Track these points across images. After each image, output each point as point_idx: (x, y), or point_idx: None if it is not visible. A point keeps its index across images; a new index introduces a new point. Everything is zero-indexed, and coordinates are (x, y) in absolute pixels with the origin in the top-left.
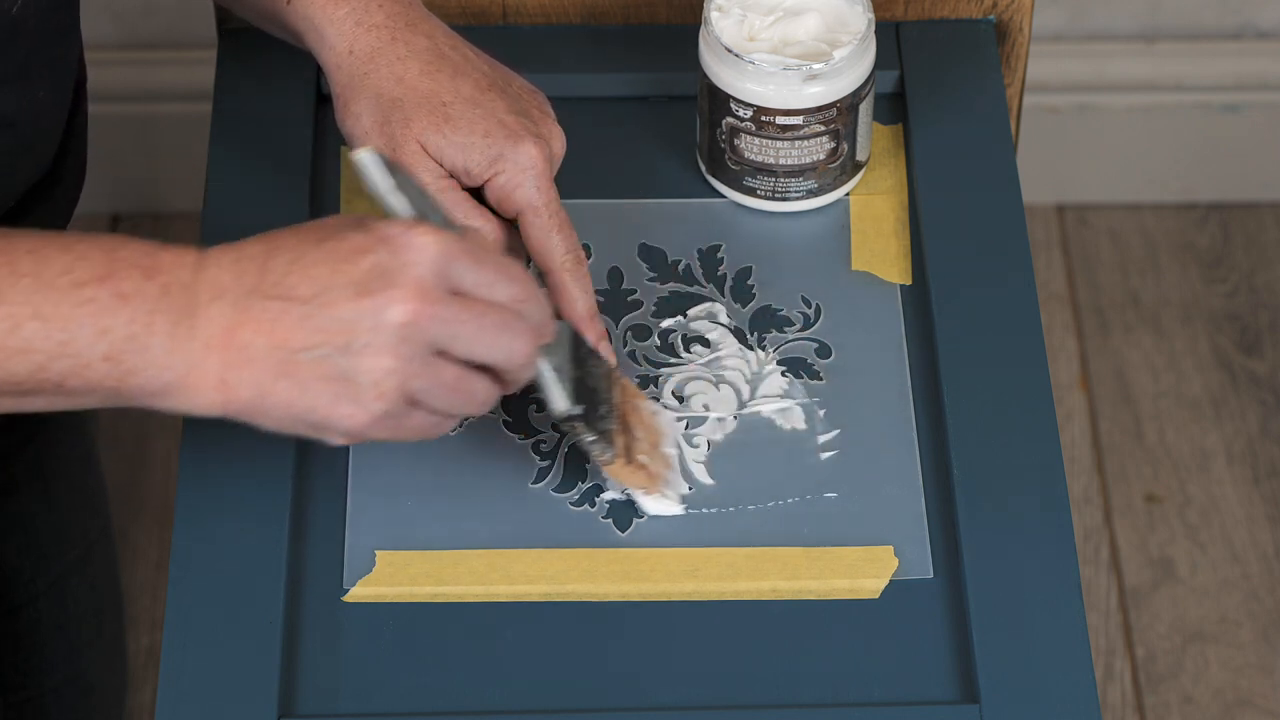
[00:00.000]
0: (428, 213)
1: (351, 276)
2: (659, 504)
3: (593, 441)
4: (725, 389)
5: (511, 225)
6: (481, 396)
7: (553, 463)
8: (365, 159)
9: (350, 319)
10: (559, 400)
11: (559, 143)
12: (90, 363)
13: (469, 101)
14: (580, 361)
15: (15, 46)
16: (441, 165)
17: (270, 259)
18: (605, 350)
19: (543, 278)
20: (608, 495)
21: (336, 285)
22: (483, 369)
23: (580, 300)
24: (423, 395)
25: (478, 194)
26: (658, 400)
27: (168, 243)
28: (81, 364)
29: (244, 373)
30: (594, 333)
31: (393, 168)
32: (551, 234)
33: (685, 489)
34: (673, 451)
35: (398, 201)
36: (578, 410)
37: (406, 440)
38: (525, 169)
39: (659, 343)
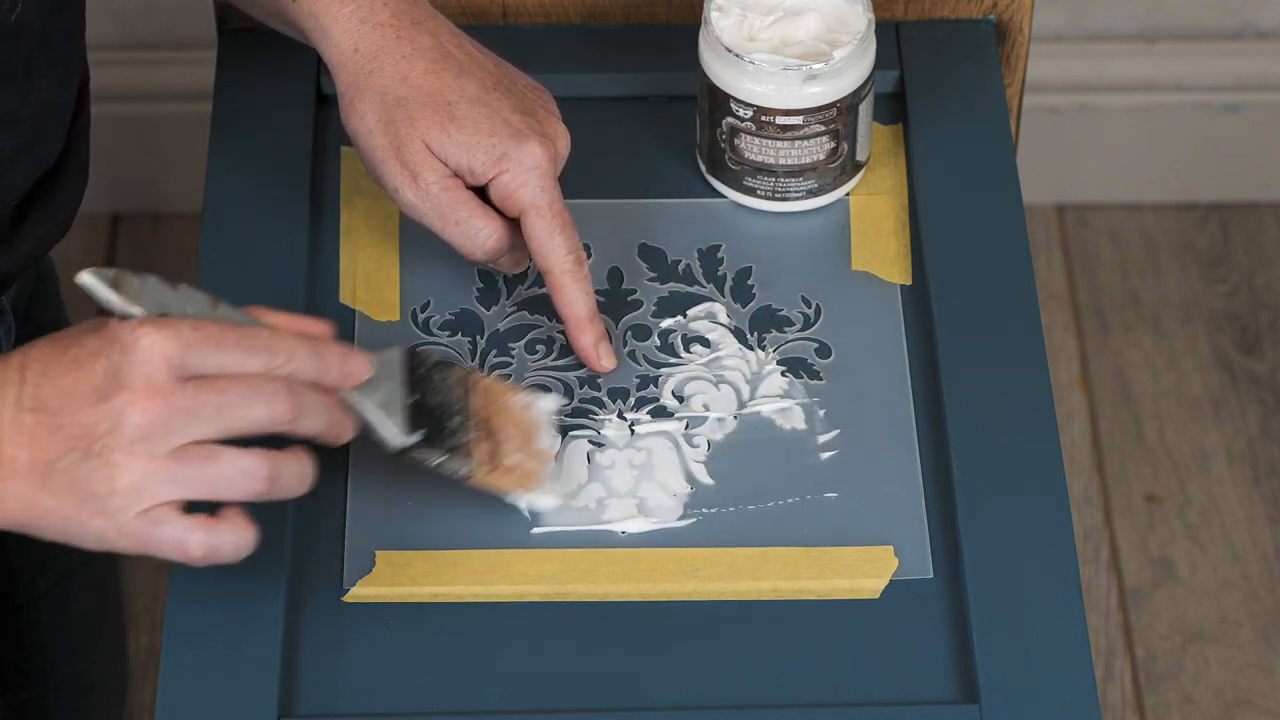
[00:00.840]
0: (174, 306)
1: (91, 383)
2: (536, 499)
3: (441, 463)
4: (725, 389)
5: (514, 224)
6: (245, 469)
7: (553, 463)
8: (87, 282)
9: (90, 424)
10: (389, 434)
11: (564, 142)
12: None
13: (474, 100)
14: (419, 382)
15: (17, 48)
16: (446, 164)
17: (26, 370)
18: (605, 352)
19: (544, 277)
20: (608, 497)
21: (79, 393)
22: (297, 446)
23: (580, 301)
24: (172, 489)
25: (483, 193)
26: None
27: None
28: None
29: (11, 486)
30: (594, 334)
31: (120, 277)
32: (554, 235)
33: (558, 478)
34: (549, 444)
35: (132, 311)
36: (415, 439)
37: (172, 557)
38: (529, 169)
39: (659, 343)
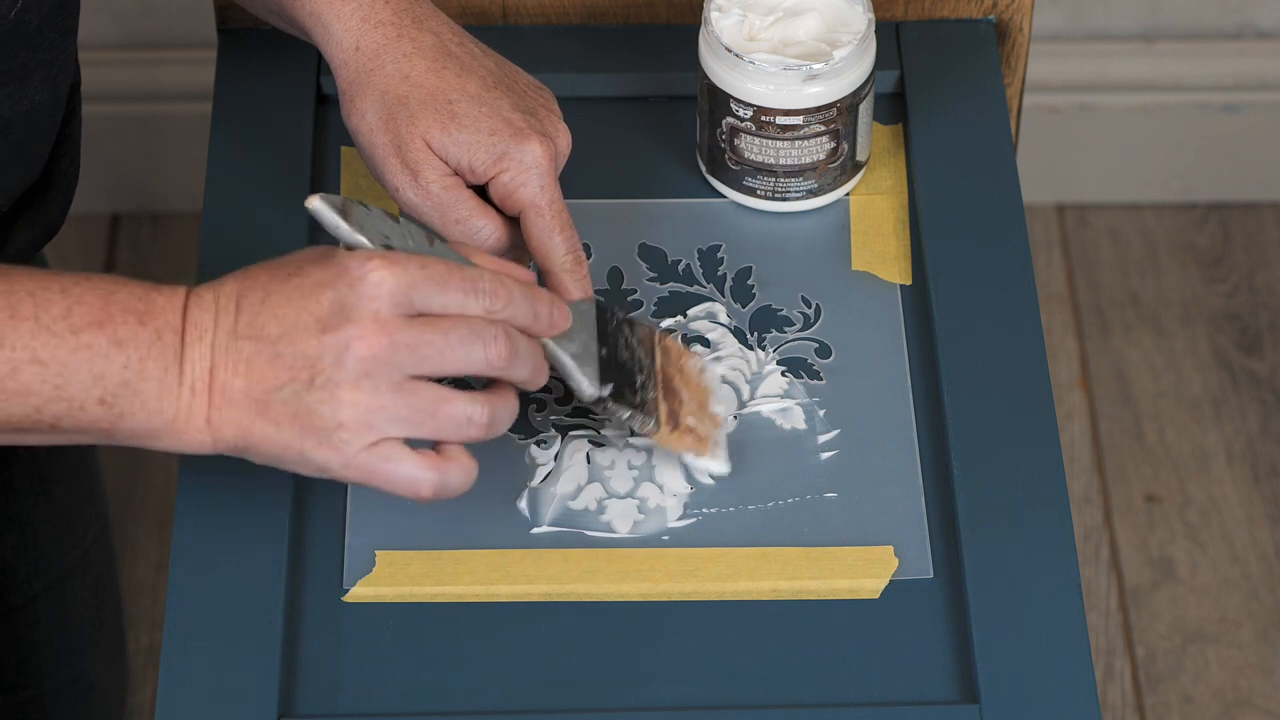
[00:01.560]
0: (396, 239)
1: (315, 313)
2: (710, 464)
3: (629, 417)
4: (725, 389)
5: (514, 223)
6: (471, 415)
7: (553, 463)
8: (316, 208)
9: (313, 355)
10: (584, 385)
11: (565, 141)
12: (85, 405)
13: (475, 99)
14: (610, 336)
15: (14, 49)
16: (446, 163)
17: (244, 298)
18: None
19: (543, 276)
20: (608, 497)
21: (301, 323)
22: (494, 389)
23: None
24: (399, 428)
25: (483, 191)
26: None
27: (161, 283)
28: (76, 407)
29: (226, 413)
30: None
31: (347, 205)
32: (553, 234)
33: (727, 445)
34: (722, 409)
35: (358, 240)
36: (605, 391)
37: (402, 493)
38: (529, 167)
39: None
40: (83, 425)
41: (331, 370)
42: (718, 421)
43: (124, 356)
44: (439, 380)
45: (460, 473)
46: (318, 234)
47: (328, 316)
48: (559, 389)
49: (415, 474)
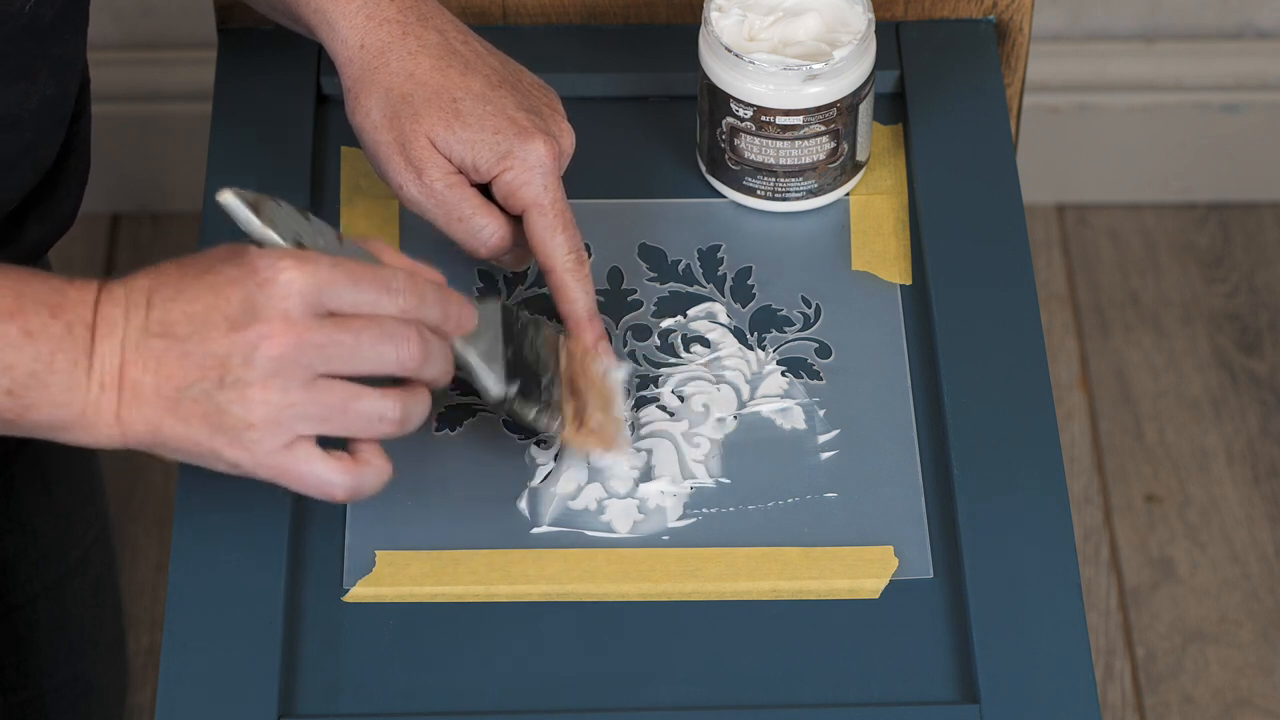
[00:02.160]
0: (307, 237)
1: (225, 312)
2: (616, 458)
3: (534, 416)
4: (725, 389)
5: (517, 222)
6: (383, 412)
7: (553, 463)
8: (228, 202)
9: (223, 354)
10: (491, 384)
11: (568, 140)
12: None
13: (479, 97)
14: (514, 337)
15: (27, 44)
16: (450, 160)
17: (155, 294)
18: (604, 350)
19: (545, 275)
20: (608, 497)
21: (211, 321)
22: (407, 385)
23: (580, 300)
24: (309, 426)
25: (487, 190)
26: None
27: (73, 277)
28: None
29: (136, 410)
30: (594, 332)
31: (260, 201)
32: (555, 233)
33: (633, 448)
34: (624, 413)
35: (269, 236)
36: (512, 390)
37: (314, 495)
38: (533, 166)
39: (659, 343)
40: None
41: (241, 370)
42: (620, 423)
43: (34, 348)
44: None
45: (374, 475)
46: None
47: (237, 315)
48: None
49: (328, 476)
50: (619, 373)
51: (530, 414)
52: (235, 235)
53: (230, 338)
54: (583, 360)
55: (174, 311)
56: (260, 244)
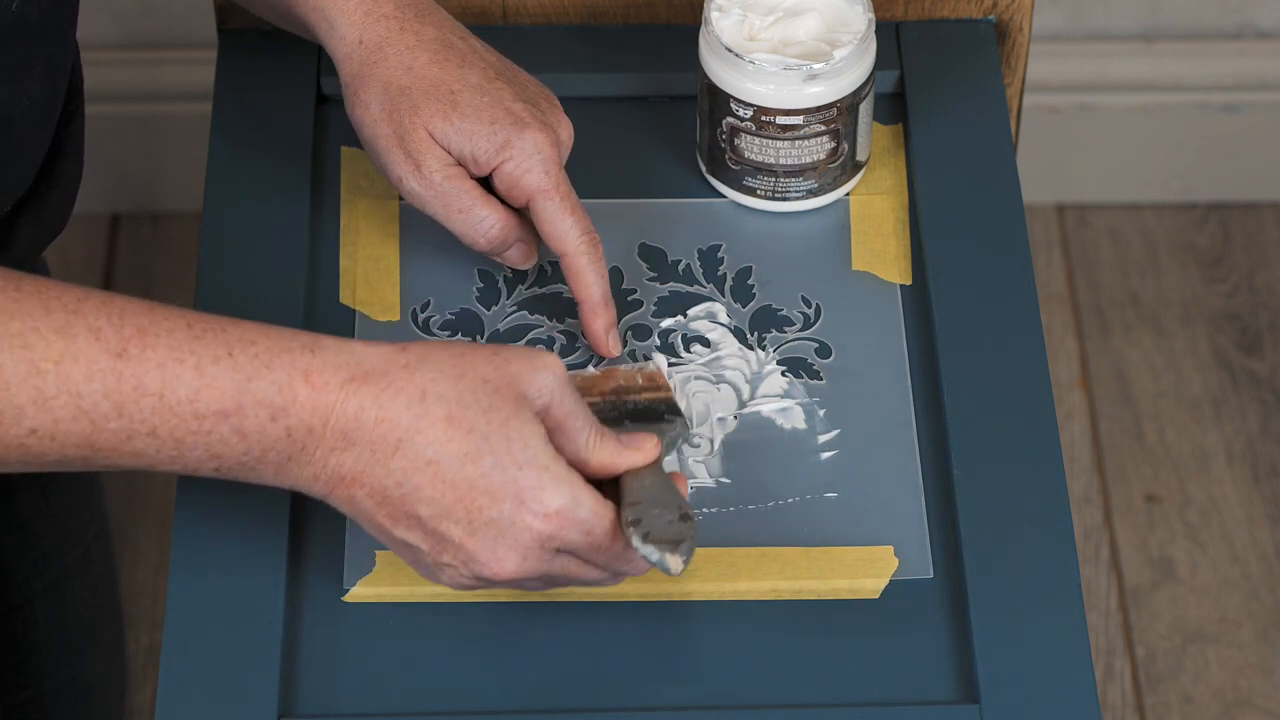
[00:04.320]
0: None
1: (469, 516)
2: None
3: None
4: (725, 389)
5: (520, 214)
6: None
7: None
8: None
9: (448, 545)
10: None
11: (566, 131)
12: (199, 470)
13: (477, 89)
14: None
15: (15, 42)
16: (449, 153)
17: (412, 442)
18: (614, 339)
19: (560, 261)
20: None
21: (453, 516)
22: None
23: (595, 285)
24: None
25: (487, 183)
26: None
27: (312, 361)
28: (189, 470)
29: (345, 506)
30: (605, 319)
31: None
32: (565, 216)
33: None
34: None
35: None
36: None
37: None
38: (532, 154)
39: (659, 343)
40: (194, 476)
41: (452, 572)
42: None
43: (245, 445)
44: None
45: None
46: (317, 235)
47: (478, 526)
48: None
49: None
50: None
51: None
52: (238, 235)
53: (458, 546)
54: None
55: (422, 477)
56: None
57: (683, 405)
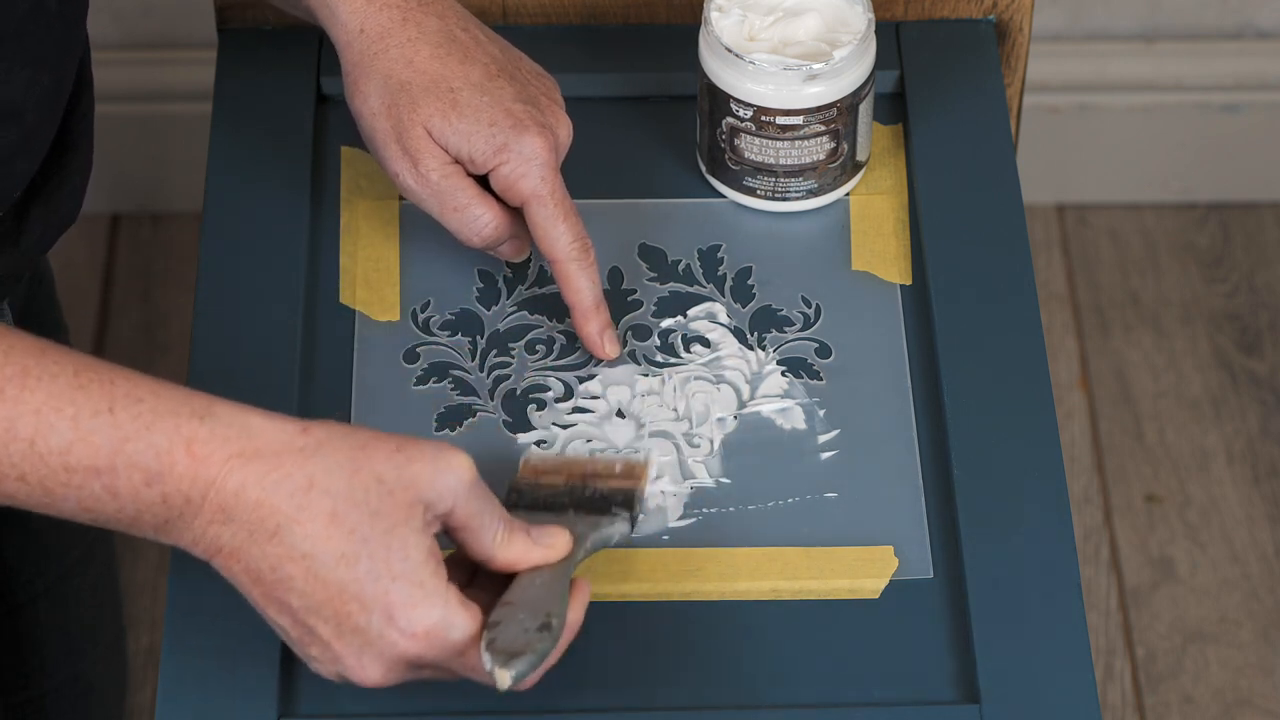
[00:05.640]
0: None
1: (338, 620)
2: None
3: (629, 518)
4: (725, 389)
5: (516, 213)
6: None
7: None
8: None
9: (311, 647)
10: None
11: (565, 131)
12: (74, 517)
13: (477, 88)
14: (580, 518)
15: (33, 31)
16: (446, 151)
17: (289, 532)
18: (609, 340)
19: (550, 266)
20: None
21: (322, 615)
22: None
23: (586, 290)
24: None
25: (484, 181)
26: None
27: (197, 428)
28: (65, 516)
29: (223, 574)
30: (599, 322)
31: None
32: (557, 223)
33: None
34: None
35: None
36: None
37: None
38: (529, 159)
39: (659, 343)
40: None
41: (326, 662)
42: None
43: (117, 504)
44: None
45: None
46: (317, 235)
47: (346, 634)
48: (559, 388)
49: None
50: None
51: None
52: (238, 235)
53: (330, 641)
54: (576, 467)
55: (296, 568)
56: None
57: (681, 407)
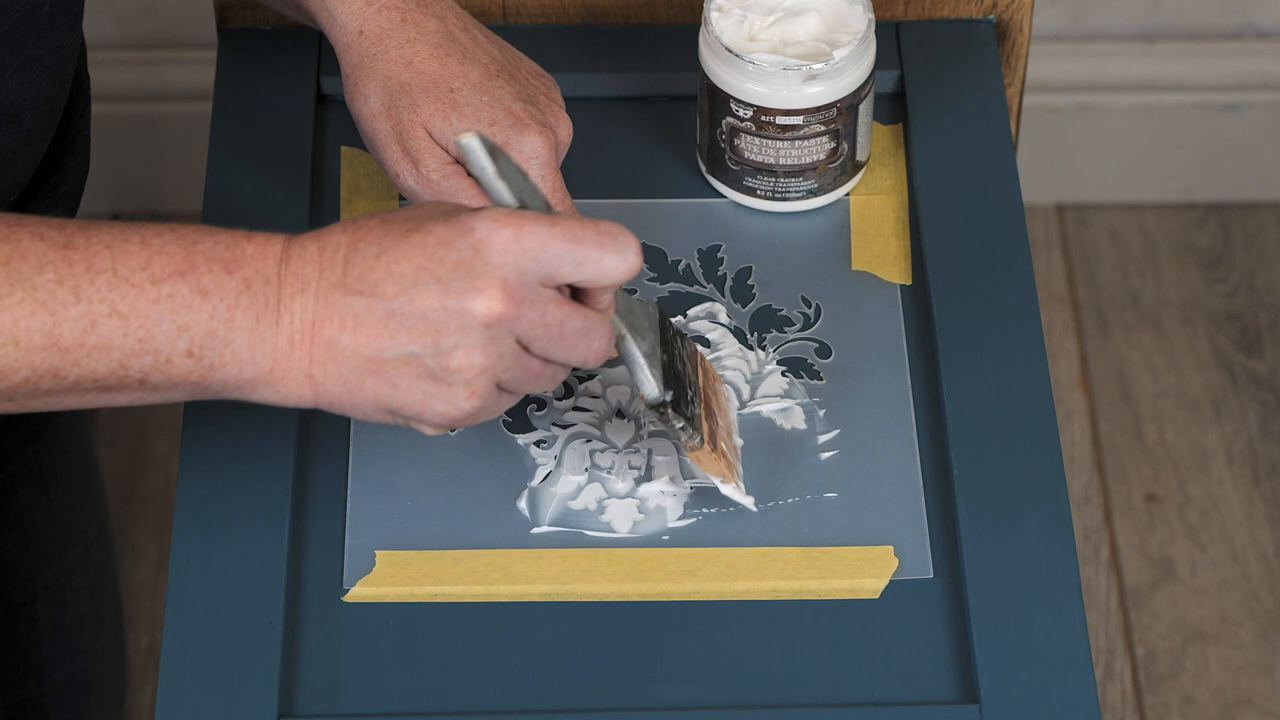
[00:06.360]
0: (527, 197)
1: (436, 274)
2: (734, 493)
3: (681, 428)
4: (725, 389)
5: None
6: (560, 378)
7: (553, 463)
8: (469, 144)
9: (436, 319)
10: (650, 387)
11: (565, 131)
12: (171, 358)
13: (476, 88)
14: (669, 344)
15: (28, 33)
16: (447, 151)
17: (355, 250)
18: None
19: None
20: (608, 497)
21: (421, 283)
22: None
23: None
24: (510, 384)
25: None
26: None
27: (254, 231)
28: (162, 360)
29: (331, 368)
30: None
31: (495, 152)
32: None
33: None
34: (740, 441)
35: (499, 187)
36: (668, 396)
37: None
38: (530, 158)
39: None
40: (172, 379)
41: (457, 335)
42: (737, 453)
43: (210, 306)
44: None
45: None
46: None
47: (450, 279)
48: (559, 388)
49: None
50: (734, 402)
51: (678, 424)
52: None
53: (443, 301)
54: (715, 382)
55: (378, 270)
56: (488, 195)
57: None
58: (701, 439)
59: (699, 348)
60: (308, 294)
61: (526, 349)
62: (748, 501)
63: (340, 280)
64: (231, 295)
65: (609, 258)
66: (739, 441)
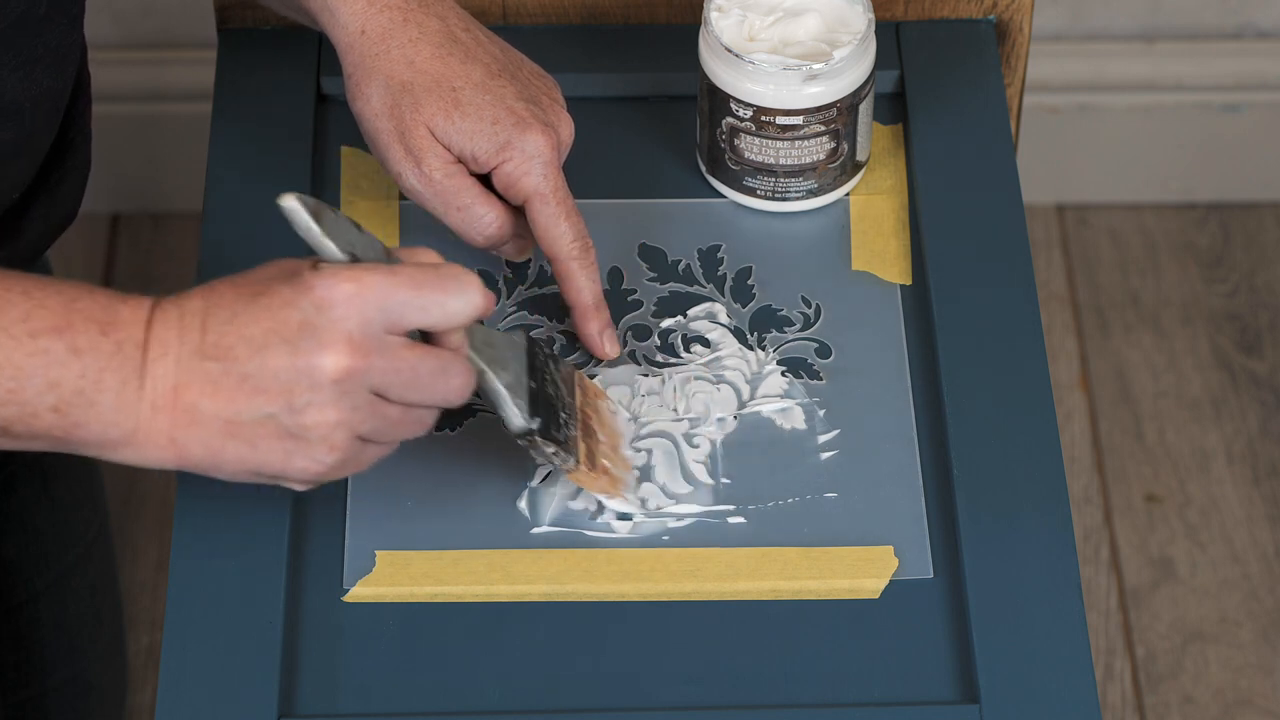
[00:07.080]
0: (360, 249)
1: (283, 335)
2: (622, 505)
3: (553, 453)
4: (725, 389)
5: (519, 212)
6: (428, 421)
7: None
8: (290, 207)
9: (288, 379)
10: (514, 417)
11: (567, 130)
12: (37, 412)
13: (479, 87)
14: (538, 370)
15: (24, 33)
16: (449, 150)
17: (210, 316)
18: (609, 339)
19: (551, 264)
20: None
21: (271, 345)
22: None
23: (587, 289)
24: (373, 435)
25: (487, 180)
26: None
27: (128, 294)
28: (28, 412)
29: (193, 432)
30: (599, 321)
31: (320, 209)
32: (559, 221)
33: (636, 491)
34: (630, 453)
35: (326, 245)
36: (534, 424)
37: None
38: (532, 157)
39: (659, 343)
40: (35, 431)
41: (309, 393)
42: (628, 464)
43: (81, 365)
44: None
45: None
46: None
47: (296, 338)
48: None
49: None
50: (625, 414)
51: (549, 449)
52: (238, 235)
53: (293, 362)
54: (595, 399)
55: (229, 335)
56: (315, 253)
57: (681, 407)
58: (576, 460)
59: (577, 369)
60: (169, 359)
61: (384, 397)
62: (630, 509)
63: (198, 346)
64: (104, 357)
65: (452, 300)
66: (629, 452)
